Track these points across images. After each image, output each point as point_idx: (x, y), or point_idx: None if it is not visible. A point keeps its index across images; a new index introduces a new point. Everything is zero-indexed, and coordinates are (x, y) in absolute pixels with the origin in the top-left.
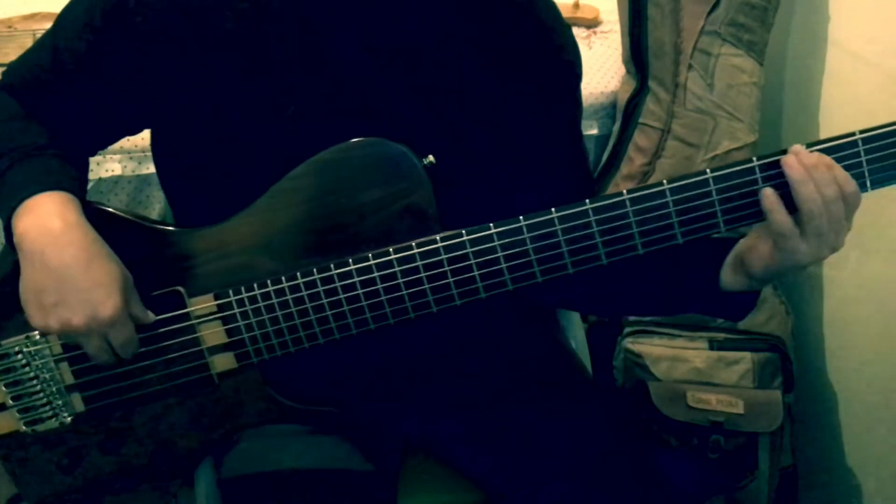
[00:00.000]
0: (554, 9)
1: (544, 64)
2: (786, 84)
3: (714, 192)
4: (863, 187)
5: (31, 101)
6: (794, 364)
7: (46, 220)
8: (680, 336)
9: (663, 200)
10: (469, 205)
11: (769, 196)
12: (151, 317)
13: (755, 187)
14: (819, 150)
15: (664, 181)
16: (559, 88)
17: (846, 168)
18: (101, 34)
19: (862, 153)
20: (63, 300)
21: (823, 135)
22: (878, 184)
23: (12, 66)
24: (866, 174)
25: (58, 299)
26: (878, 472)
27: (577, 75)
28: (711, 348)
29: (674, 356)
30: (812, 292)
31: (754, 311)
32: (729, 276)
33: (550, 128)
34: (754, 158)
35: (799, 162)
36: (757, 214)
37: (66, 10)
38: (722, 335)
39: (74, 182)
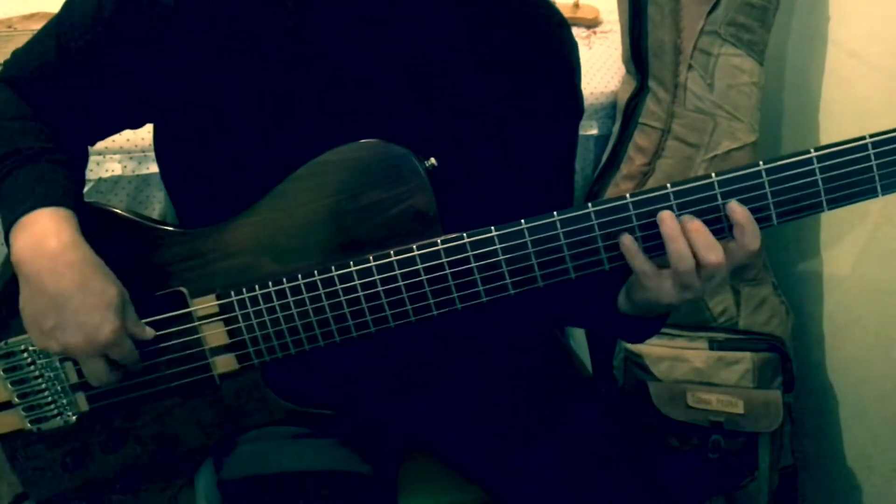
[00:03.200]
0: (552, 9)
1: (542, 66)
2: (786, 84)
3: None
4: (873, 192)
5: (33, 91)
6: (794, 364)
7: (41, 240)
8: (680, 336)
9: (667, 204)
10: (470, 208)
11: (626, 243)
12: (150, 332)
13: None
14: (829, 153)
15: (668, 185)
16: (558, 89)
17: (856, 173)
18: (110, 26)
19: (872, 157)
20: (60, 324)
21: (823, 135)
22: (888, 189)
23: (16, 58)
24: (877, 179)
25: (55, 324)
26: (879, 471)
27: (576, 81)
28: (711, 348)
29: (674, 356)
30: (812, 292)
31: (755, 311)
32: (622, 299)
33: (550, 133)
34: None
35: (672, 218)
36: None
37: (72, 1)
38: (722, 335)
39: (71, 190)
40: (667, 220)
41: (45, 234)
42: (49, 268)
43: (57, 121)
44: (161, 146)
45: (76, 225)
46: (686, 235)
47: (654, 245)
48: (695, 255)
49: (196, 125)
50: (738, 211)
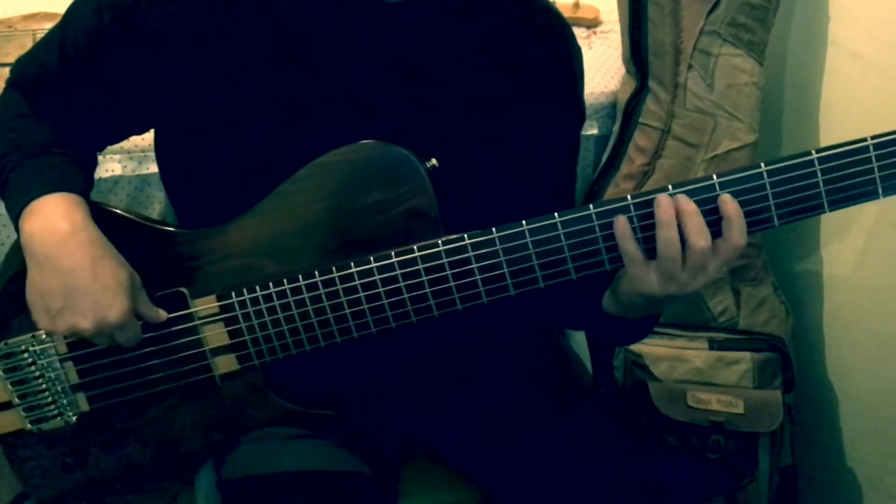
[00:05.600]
0: (556, 15)
1: (545, 72)
2: (786, 84)
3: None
4: (874, 195)
5: (39, 98)
6: (794, 364)
7: (52, 222)
8: (680, 336)
9: None
10: (471, 209)
11: (620, 223)
12: (163, 315)
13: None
14: (830, 155)
15: (669, 186)
16: (560, 95)
17: (858, 175)
18: (110, 34)
19: (874, 159)
20: (70, 305)
21: (823, 135)
22: (890, 191)
23: (20, 63)
24: (878, 181)
25: (64, 304)
26: (878, 471)
27: (579, 87)
28: (711, 348)
29: (674, 356)
30: (812, 292)
31: (755, 311)
32: (606, 298)
33: (552, 137)
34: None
35: (670, 205)
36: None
37: (74, 9)
38: (722, 335)
39: (80, 181)
40: (664, 206)
41: (56, 216)
42: (59, 248)
43: (62, 126)
44: (161, 149)
45: (86, 209)
46: (679, 217)
47: (654, 247)
48: (685, 239)
49: (196, 130)
50: (729, 204)
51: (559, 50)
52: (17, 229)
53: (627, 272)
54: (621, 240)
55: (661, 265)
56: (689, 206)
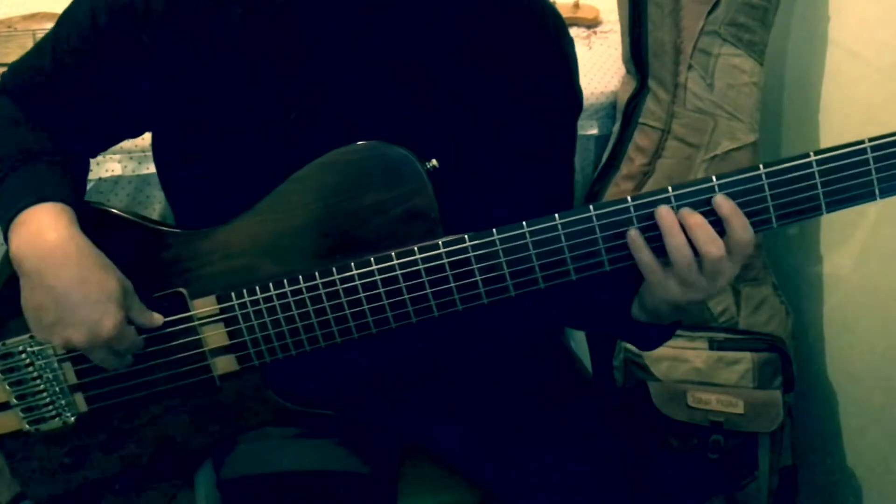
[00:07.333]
0: (554, 15)
1: (538, 61)
2: (786, 84)
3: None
4: (871, 196)
5: (31, 103)
6: (794, 364)
7: (38, 235)
8: (680, 336)
9: (668, 206)
10: (471, 209)
11: (632, 236)
12: (159, 320)
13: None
14: (828, 157)
15: (669, 187)
16: (554, 84)
17: (855, 177)
18: (104, 38)
19: (871, 161)
20: (62, 319)
21: (823, 135)
22: (887, 192)
23: (12, 68)
24: (875, 182)
25: (57, 318)
26: (879, 472)
27: (572, 68)
28: (711, 348)
29: (674, 356)
30: (812, 292)
31: (755, 311)
32: (635, 307)
33: (547, 126)
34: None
35: (670, 212)
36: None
37: (69, 12)
38: (722, 335)
39: (70, 189)
40: (664, 215)
41: (43, 228)
42: (47, 261)
43: (55, 132)
44: (159, 151)
45: (74, 219)
46: (686, 231)
47: (657, 247)
48: (696, 250)
49: (193, 132)
50: (723, 205)
51: (545, 33)
52: (6, 242)
53: (647, 282)
54: (636, 251)
55: (678, 273)
56: (693, 218)
